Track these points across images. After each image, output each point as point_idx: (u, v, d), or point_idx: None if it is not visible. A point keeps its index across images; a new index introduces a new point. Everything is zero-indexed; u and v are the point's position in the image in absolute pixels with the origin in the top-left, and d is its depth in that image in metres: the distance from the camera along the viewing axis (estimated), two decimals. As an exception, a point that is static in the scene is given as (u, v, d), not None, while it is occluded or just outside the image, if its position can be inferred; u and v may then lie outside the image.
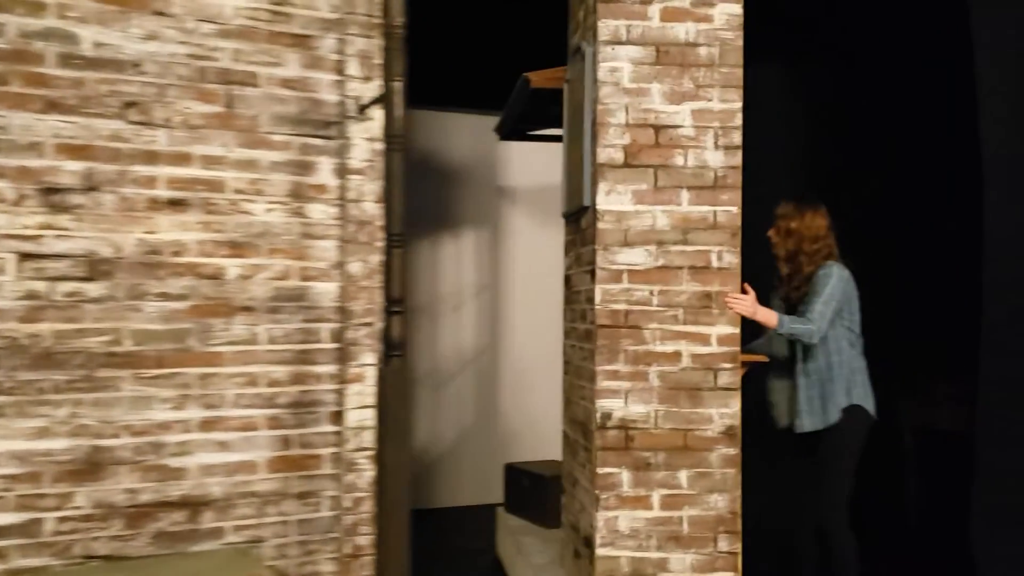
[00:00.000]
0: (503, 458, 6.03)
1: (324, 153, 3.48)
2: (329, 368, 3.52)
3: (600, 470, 3.47)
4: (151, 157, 3.28)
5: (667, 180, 3.51)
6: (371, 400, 3.50)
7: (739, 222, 3.53)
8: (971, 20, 3.74)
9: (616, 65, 3.50)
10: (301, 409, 3.47)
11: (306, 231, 3.49)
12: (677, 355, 3.51)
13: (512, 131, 5.28)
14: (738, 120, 3.53)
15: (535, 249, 6.51)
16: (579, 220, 3.79)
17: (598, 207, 3.49)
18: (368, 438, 3.50)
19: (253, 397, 3.40)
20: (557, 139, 5.41)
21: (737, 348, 3.53)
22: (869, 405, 3.68)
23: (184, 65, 3.32)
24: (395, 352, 3.08)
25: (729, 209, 3.53)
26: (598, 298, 3.48)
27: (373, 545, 3.42)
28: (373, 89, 3.50)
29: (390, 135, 3.14)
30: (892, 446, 4.81)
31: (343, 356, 3.53)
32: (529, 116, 4.84)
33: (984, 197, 3.61)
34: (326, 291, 3.50)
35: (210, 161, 3.36)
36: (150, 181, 3.28)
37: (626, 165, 3.50)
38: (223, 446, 3.36)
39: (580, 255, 3.77)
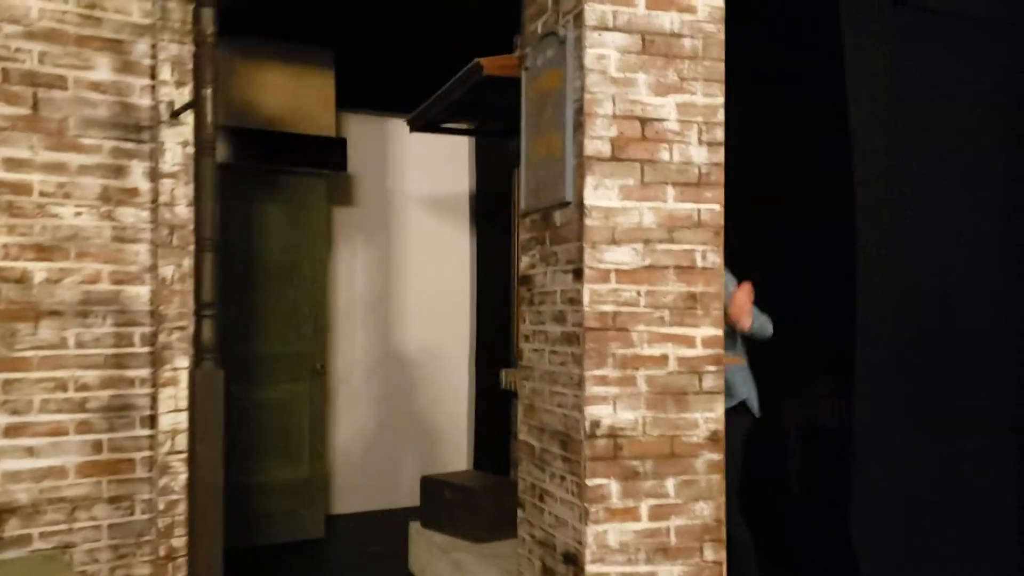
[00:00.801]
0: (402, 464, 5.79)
1: (136, 157, 3.48)
2: (142, 372, 3.50)
3: (590, 482, 3.26)
4: None
5: (653, 175, 3.36)
6: (185, 404, 3.44)
7: (722, 220, 3.44)
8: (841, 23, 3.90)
9: (603, 52, 3.31)
10: (113, 413, 3.44)
11: (117, 235, 3.46)
12: (664, 358, 3.36)
13: (427, 124, 4.97)
14: (721, 116, 3.44)
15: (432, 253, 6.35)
16: (549, 216, 3.57)
17: (586, 202, 3.28)
18: (182, 441, 3.47)
19: (62, 402, 3.36)
20: (468, 132, 5.17)
21: (720, 350, 3.43)
22: (753, 401, 3.87)
23: None
24: (206, 356, 3.05)
25: (713, 207, 3.43)
26: (586, 299, 3.28)
27: (187, 547, 3.30)
28: (186, 94, 3.48)
29: (201, 141, 3.11)
30: (776, 442, 4.83)
31: (156, 360, 3.50)
32: (467, 106, 4.55)
33: (856, 200, 3.74)
34: (138, 295, 3.49)
35: (15, 164, 3.31)
36: None
37: (613, 159, 3.31)
38: (30, 452, 3.31)
39: (552, 253, 3.55)
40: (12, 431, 3.28)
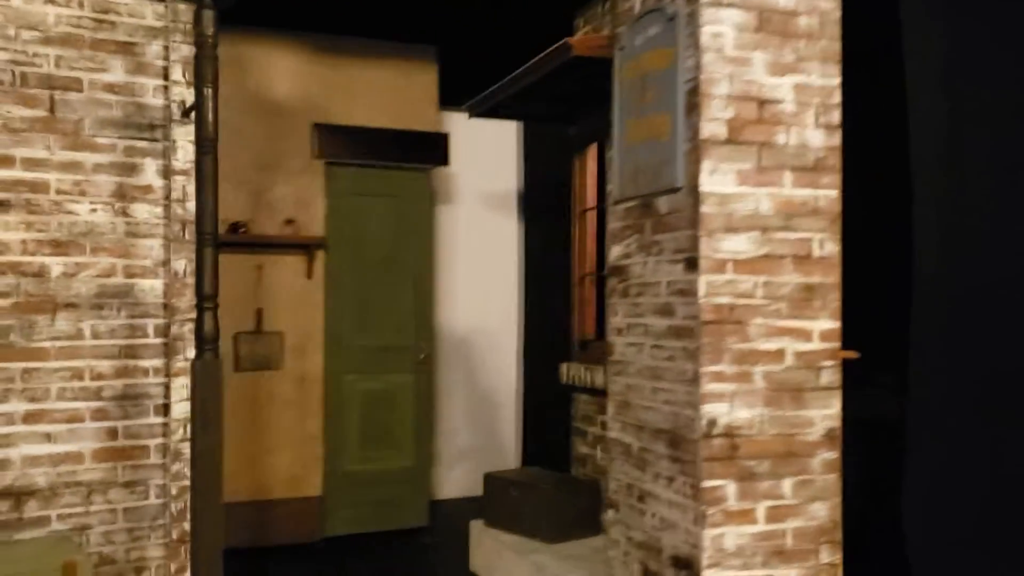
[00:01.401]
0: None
1: (149, 155, 3.56)
2: (155, 362, 3.60)
3: (706, 483, 3.09)
4: None
5: (770, 160, 3.19)
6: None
7: (839, 208, 3.27)
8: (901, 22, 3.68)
9: (719, 30, 3.13)
10: (127, 402, 3.55)
11: (131, 230, 3.57)
12: (781, 353, 3.20)
13: (490, 109, 4.77)
14: (837, 97, 3.27)
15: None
16: (651, 204, 3.39)
17: (701, 188, 3.10)
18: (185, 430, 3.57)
19: (78, 391, 3.49)
20: (527, 118, 4.97)
21: (838, 344, 3.27)
22: None
23: (6, 70, 3.40)
24: (208, 347, 3.15)
25: (830, 193, 3.26)
26: (702, 291, 3.10)
27: (190, 533, 3.35)
28: (212, 94, 3.42)
29: (202, 139, 3.17)
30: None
31: (169, 351, 3.60)
32: (533, 91, 4.34)
33: (913, 188, 3.61)
34: (151, 288, 3.59)
35: (33, 163, 3.44)
36: None
37: (729, 142, 3.14)
38: (48, 438, 3.45)
39: (654, 243, 3.37)
40: (31, 418, 3.43)
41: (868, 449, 3.46)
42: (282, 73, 5.64)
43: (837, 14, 3.28)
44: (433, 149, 5.83)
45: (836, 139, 3.27)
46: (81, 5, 3.51)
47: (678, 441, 3.22)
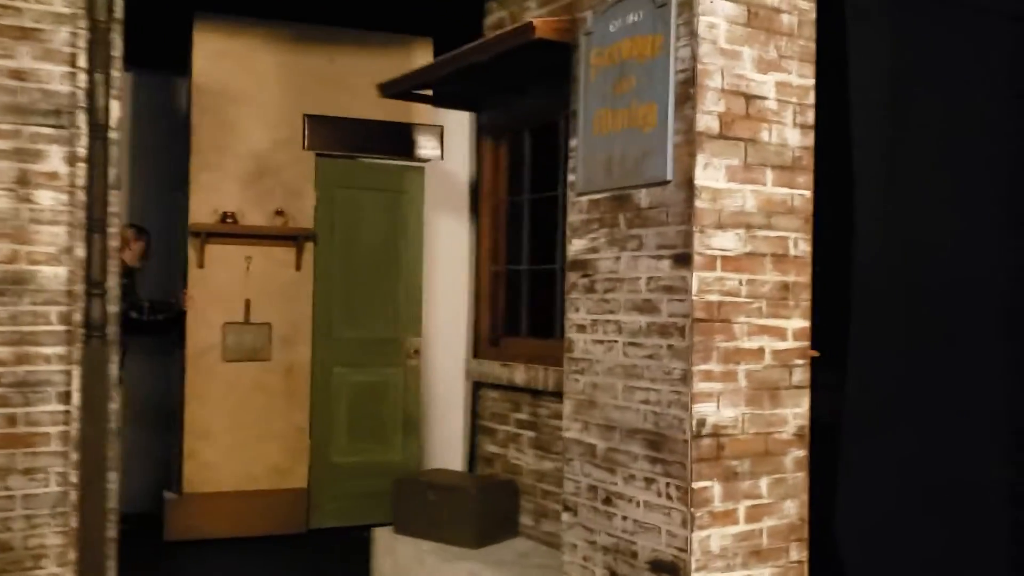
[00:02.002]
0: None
1: (55, 142, 3.50)
2: (57, 349, 3.52)
3: (695, 484, 3.02)
4: None
5: (755, 156, 3.17)
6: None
7: (811, 208, 3.30)
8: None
9: (714, 21, 3.07)
10: (27, 388, 3.47)
11: (35, 217, 3.49)
12: (761, 352, 3.19)
13: (401, 91, 4.50)
14: (812, 98, 3.30)
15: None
16: (627, 197, 3.28)
17: (697, 182, 3.02)
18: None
19: None
20: (429, 100, 4.75)
21: (808, 343, 3.30)
22: None
23: None
24: (95, 334, 3.25)
25: (804, 193, 3.29)
26: (695, 288, 3.03)
27: (78, 521, 3.50)
28: (103, 80, 3.56)
29: (94, 125, 3.29)
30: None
31: (71, 338, 3.52)
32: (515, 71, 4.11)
33: (854, 192, 3.64)
34: (55, 275, 3.51)
35: None
36: None
37: (720, 136, 3.08)
38: None
39: (632, 237, 3.26)
40: None
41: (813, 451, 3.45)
42: (274, 64, 5.57)
43: (813, 14, 3.30)
44: (427, 142, 5.82)
45: (810, 139, 3.29)
46: None
47: (660, 442, 3.13)
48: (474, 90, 4.63)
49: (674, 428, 3.08)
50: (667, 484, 3.10)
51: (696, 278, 3.03)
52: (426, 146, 5.84)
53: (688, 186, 3.04)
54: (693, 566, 3.01)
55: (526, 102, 4.49)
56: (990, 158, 4.02)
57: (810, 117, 3.29)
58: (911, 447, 3.65)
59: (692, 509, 3.01)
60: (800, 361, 3.27)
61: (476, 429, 4.83)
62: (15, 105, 3.45)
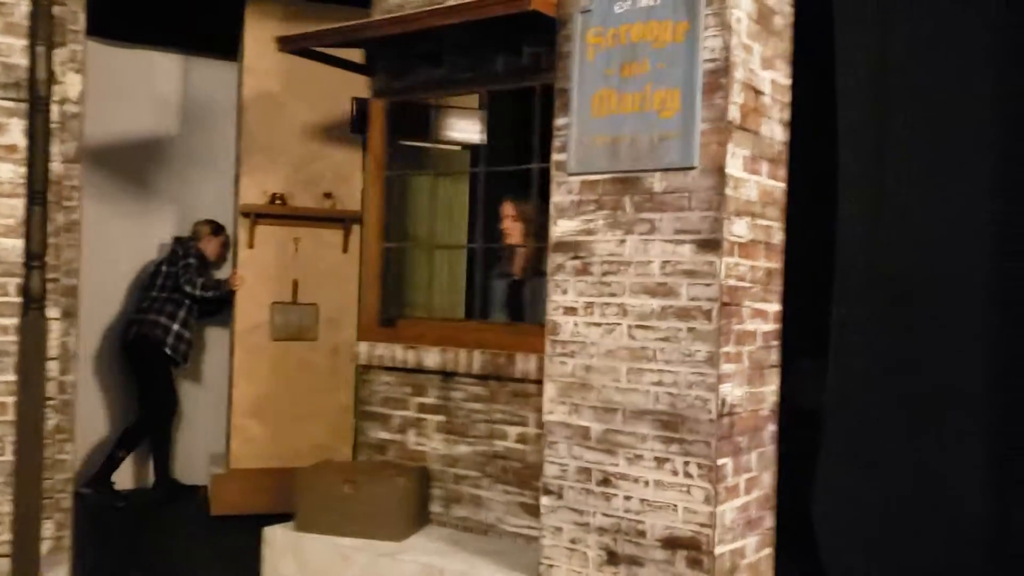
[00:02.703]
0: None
1: (15, 115, 3.45)
2: (14, 320, 3.47)
3: (719, 462, 3.15)
4: None
5: (758, 148, 3.34)
6: (55, 352, 3.56)
7: (785, 200, 3.55)
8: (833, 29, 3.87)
9: (739, 15, 3.19)
10: None
11: None
12: (755, 334, 3.38)
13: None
14: (789, 96, 3.54)
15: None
16: (637, 180, 3.30)
17: (728, 171, 3.14)
18: (51, 388, 3.56)
19: None
20: (330, 61, 4.44)
21: (780, 325, 3.55)
22: None
23: None
24: (33, 305, 3.35)
25: (782, 185, 3.52)
26: (722, 273, 3.14)
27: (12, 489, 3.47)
28: (65, 54, 3.63)
29: (35, 98, 3.34)
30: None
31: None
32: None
33: (837, 182, 3.76)
34: (13, 247, 3.47)
35: None
36: None
37: (741, 127, 3.22)
38: None
39: (641, 220, 3.29)
40: None
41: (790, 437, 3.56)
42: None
43: (792, 18, 3.53)
44: (470, 126, 5.20)
45: (787, 135, 3.53)
46: None
47: (677, 423, 3.20)
48: (391, 54, 4.36)
49: (696, 408, 3.16)
50: (685, 463, 3.19)
51: (724, 264, 3.13)
52: (469, 130, 5.38)
53: (719, 173, 3.13)
54: (716, 540, 3.13)
55: (437, 73, 4.30)
56: (977, 150, 3.79)
57: (787, 115, 3.52)
58: (892, 434, 3.73)
59: (716, 486, 3.13)
60: (775, 342, 3.50)
61: (361, 416, 4.55)
62: None
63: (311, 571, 3.95)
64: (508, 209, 4.59)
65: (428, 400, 4.33)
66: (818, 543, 3.78)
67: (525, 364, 3.94)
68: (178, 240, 6.13)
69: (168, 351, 5.94)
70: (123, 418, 6.25)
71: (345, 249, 5.87)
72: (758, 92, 3.30)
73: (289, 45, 4.19)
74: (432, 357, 4.22)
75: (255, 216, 5.66)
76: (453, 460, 4.23)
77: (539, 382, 3.92)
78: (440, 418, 4.28)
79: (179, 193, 6.46)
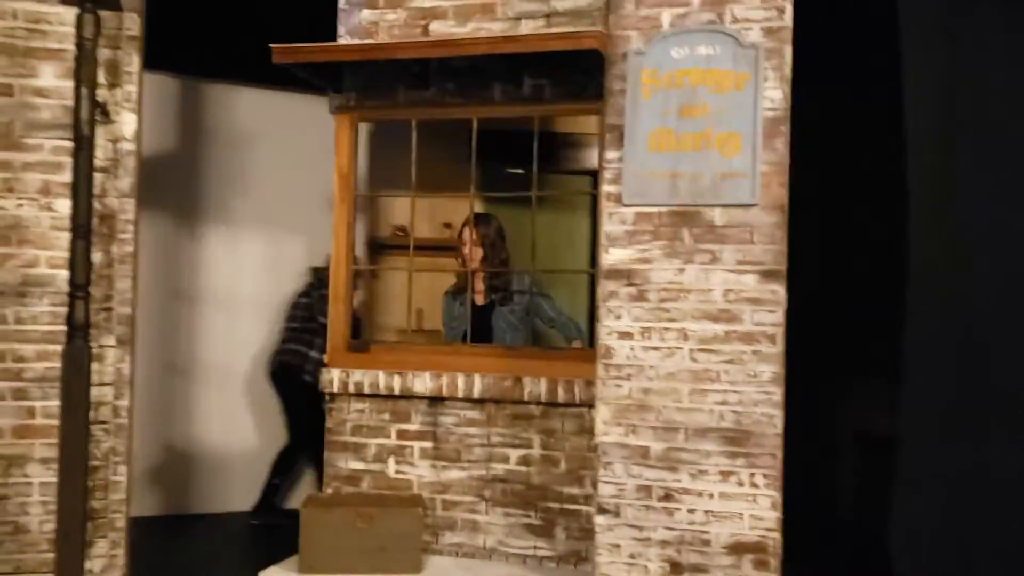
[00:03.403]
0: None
1: (72, 154, 3.69)
2: (59, 347, 3.72)
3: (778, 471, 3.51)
4: None
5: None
6: (110, 378, 3.88)
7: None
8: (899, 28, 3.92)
9: (789, 72, 3.57)
10: (46, 384, 3.77)
11: (55, 224, 3.79)
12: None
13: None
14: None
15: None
16: (696, 213, 3.57)
17: (786, 208, 3.51)
18: (106, 412, 3.86)
19: (2, 372, 3.74)
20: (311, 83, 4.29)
21: (786, 345, 3.97)
22: None
23: None
24: (77, 334, 3.60)
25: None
26: (785, 301, 3.51)
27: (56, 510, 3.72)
28: (118, 95, 3.90)
29: (80, 138, 3.58)
30: (827, 448, 4.63)
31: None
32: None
33: (909, 202, 3.78)
34: (66, 277, 3.73)
35: None
36: None
37: (789, 167, 3.60)
38: None
39: (700, 250, 3.55)
40: None
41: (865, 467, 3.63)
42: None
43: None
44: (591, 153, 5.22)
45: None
46: (15, 16, 3.73)
47: (742, 438, 3.51)
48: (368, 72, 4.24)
49: (762, 424, 3.49)
50: (751, 474, 3.49)
51: (784, 292, 3.49)
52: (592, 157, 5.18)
53: (780, 211, 3.49)
54: (779, 542, 3.47)
55: (422, 95, 4.26)
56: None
57: (790, 158, 3.94)
58: (969, 458, 3.61)
59: (778, 493, 3.47)
60: (784, 360, 3.92)
61: (326, 447, 4.35)
62: (39, 121, 3.76)
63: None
64: (468, 234, 4.63)
65: (411, 427, 4.26)
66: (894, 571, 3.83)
67: (534, 387, 4.04)
68: (314, 270, 6.23)
69: (307, 378, 5.99)
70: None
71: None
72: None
73: (284, 56, 3.93)
74: (424, 383, 4.16)
75: (378, 246, 6.03)
76: (444, 487, 4.20)
77: (547, 404, 4.05)
78: (426, 444, 4.23)
79: (310, 225, 6.34)
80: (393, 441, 4.27)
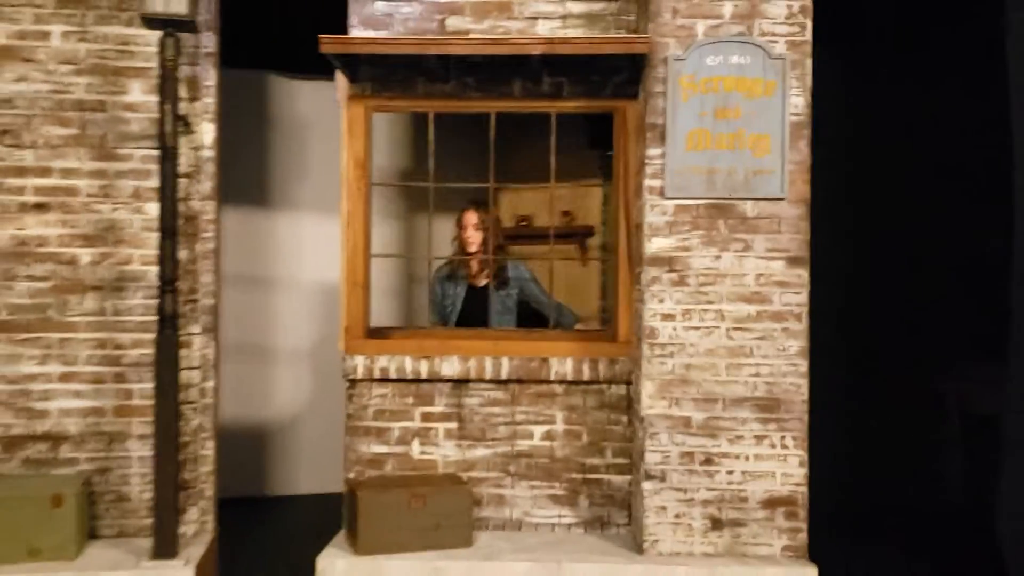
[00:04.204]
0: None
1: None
2: (152, 335, 4.07)
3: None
4: (20, 171, 4.12)
5: (795, 184, 4.24)
6: (196, 362, 4.25)
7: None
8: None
9: (810, 79, 4.06)
10: (142, 368, 4.16)
11: (145, 225, 4.19)
12: (791, 330, 4.28)
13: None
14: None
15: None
16: (730, 206, 3.97)
17: (811, 202, 4.00)
18: (194, 393, 4.25)
19: (102, 357, 4.17)
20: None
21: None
22: None
23: (47, 99, 4.13)
24: (167, 324, 3.92)
25: (784, 212, 4.46)
26: (808, 284, 4.00)
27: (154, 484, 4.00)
28: (198, 108, 4.24)
29: (165, 148, 3.93)
30: (933, 427, 4.62)
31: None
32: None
33: (1014, 181, 3.78)
34: (155, 273, 4.11)
35: (67, 172, 4.16)
36: (20, 189, 4.13)
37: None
38: (77, 395, 4.16)
39: (735, 240, 3.96)
40: (65, 378, 4.15)
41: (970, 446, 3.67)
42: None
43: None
44: None
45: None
46: (106, 39, 4.14)
47: (773, 406, 3.97)
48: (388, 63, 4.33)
49: (791, 393, 3.96)
50: (781, 437, 3.97)
51: (807, 277, 3.98)
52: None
53: (805, 204, 3.96)
54: (807, 495, 3.98)
55: (442, 88, 4.41)
56: None
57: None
58: None
59: (805, 453, 3.97)
60: (781, 336, 4.43)
61: (349, 431, 4.43)
62: (129, 133, 4.17)
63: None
64: (470, 218, 4.82)
65: (435, 409, 4.42)
66: (1006, 564, 3.90)
67: (560, 367, 4.32)
68: None
69: None
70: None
71: (584, 263, 6.02)
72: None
73: (333, 47, 3.97)
74: (452, 366, 4.34)
75: (504, 237, 5.61)
76: (469, 465, 4.40)
77: (571, 382, 4.35)
78: (450, 425, 4.41)
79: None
80: (417, 423, 4.41)
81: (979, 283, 4.13)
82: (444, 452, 4.40)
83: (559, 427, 4.39)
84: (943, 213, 4.46)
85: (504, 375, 4.34)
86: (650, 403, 4.01)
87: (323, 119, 6.23)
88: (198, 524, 4.26)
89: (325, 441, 6.19)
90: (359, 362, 4.35)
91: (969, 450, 4.09)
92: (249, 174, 6.34)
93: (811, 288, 4.00)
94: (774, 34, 3.97)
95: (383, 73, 4.39)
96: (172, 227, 3.90)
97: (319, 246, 6.32)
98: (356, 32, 4.40)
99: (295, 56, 5.71)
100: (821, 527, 4.04)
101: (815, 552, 3.96)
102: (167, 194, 3.89)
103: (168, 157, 3.89)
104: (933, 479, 4.51)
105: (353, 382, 4.40)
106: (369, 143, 4.42)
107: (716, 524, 3.98)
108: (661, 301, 4.01)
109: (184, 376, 4.10)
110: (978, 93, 4.25)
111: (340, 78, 4.40)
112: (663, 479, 4.00)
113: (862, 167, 5.17)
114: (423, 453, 4.40)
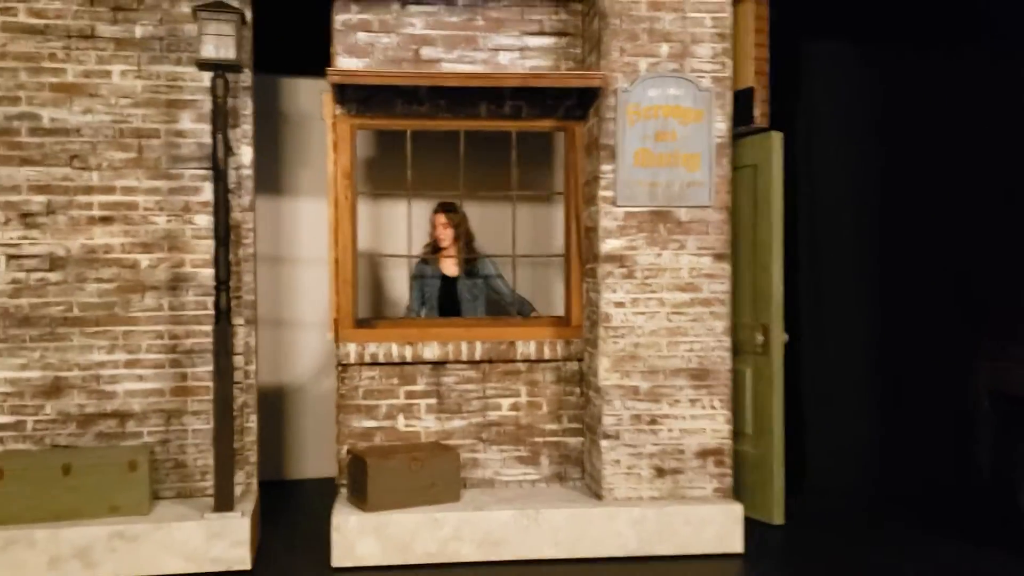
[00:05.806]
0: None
1: (207, 179, 4.91)
2: (211, 327, 4.80)
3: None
4: (88, 190, 4.84)
5: (715, 192, 5.16)
6: (241, 349, 4.96)
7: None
8: None
9: (730, 108, 4.96)
10: (195, 355, 4.94)
11: (195, 234, 4.94)
12: (713, 312, 5.21)
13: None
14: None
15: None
16: (668, 212, 4.84)
17: (730, 209, 4.92)
18: (239, 375, 4.92)
19: (160, 346, 4.91)
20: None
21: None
22: None
23: (109, 128, 4.84)
24: (222, 317, 4.55)
25: (704, 214, 5.38)
26: (729, 275, 4.93)
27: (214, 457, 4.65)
28: (237, 134, 4.96)
29: (217, 170, 4.53)
30: (966, 408, 4.95)
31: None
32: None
33: None
34: (210, 275, 4.88)
35: (127, 190, 4.87)
36: (88, 205, 4.83)
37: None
38: (140, 378, 4.89)
39: (673, 240, 4.83)
40: (129, 364, 4.88)
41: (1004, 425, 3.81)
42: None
43: (702, 104, 5.37)
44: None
45: (703, 181, 5.37)
46: (159, 76, 4.86)
47: (703, 375, 4.87)
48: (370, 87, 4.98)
49: (718, 364, 4.88)
50: (711, 400, 4.88)
51: (730, 269, 4.90)
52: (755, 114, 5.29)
53: (727, 210, 4.88)
54: (730, 446, 4.92)
55: (417, 109, 5.10)
56: None
57: (703, 167, 5.35)
58: None
59: (728, 412, 4.90)
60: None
61: (341, 409, 5.09)
62: (180, 156, 4.89)
63: (394, 545, 4.58)
64: (439, 219, 5.54)
65: (417, 387, 5.13)
66: None
67: (525, 348, 5.11)
68: None
69: None
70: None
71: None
72: (717, 155, 5.08)
73: (340, 79, 4.60)
74: (432, 351, 5.06)
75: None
76: (447, 434, 5.14)
77: (533, 361, 5.14)
78: (430, 401, 5.13)
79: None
80: (402, 400, 5.11)
81: (1011, 264, 4.30)
82: (426, 424, 5.12)
83: (523, 399, 5.17)
84: (974, 195, 4.94)
85: (477, 356, 5.08)
86: (606, 376, 4.84)
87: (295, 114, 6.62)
88: (244, 485, 4.98)
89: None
90: (351, 348, 5.01)
91: (999, 429, 4.25)
92: (264, 164, 6.34)
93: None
94: (702, 71, 4.83)
95: (366, 95, 5.03)
96: (225, 236, 4.50)
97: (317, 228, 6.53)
98: (341, 59, 5.03)
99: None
100: (858, 508, 4.63)
101: (854, 531, 4.68)
102: (220, 208, 4.48)
103: (220, 178, 4.49)
104: (965, 458, 4.82)
105: (345, 366, 5.05)
106: (355, 156, 5.06)
107: (660, 472, 4.86)
108: (614, 292, 4.84)
109: (235, 361, 4.77)
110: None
111: (327, 99, 5.02)
112: (617, 438, 4.85)
113: (901, 156, 5.88)
114: (407, 426, 5.11)
